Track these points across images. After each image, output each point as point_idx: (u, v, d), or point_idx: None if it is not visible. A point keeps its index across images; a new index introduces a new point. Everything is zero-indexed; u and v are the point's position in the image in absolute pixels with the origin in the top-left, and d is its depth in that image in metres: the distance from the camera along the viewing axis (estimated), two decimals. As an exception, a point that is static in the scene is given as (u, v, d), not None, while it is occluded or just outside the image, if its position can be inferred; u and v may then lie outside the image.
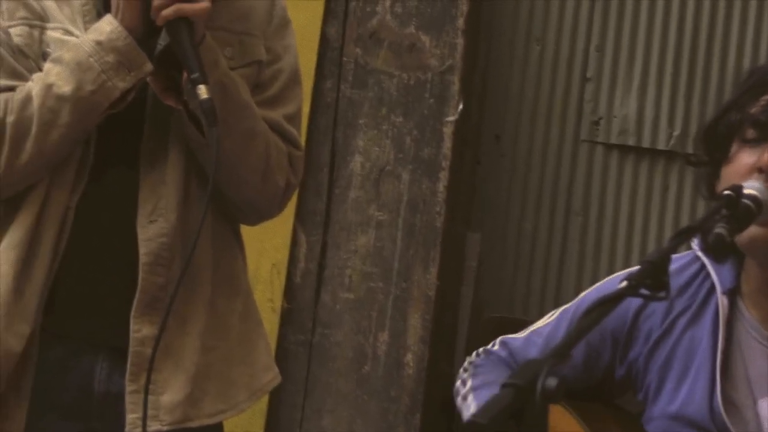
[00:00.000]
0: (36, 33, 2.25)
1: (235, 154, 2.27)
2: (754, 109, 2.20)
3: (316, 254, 3.76)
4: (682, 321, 2.29)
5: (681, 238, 1.83)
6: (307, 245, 3.76)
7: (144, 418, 2.21)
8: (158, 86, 2.24)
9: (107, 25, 2.21)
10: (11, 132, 2.20)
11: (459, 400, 2.39)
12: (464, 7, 3.78)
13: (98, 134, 2.25)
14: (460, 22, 3.77)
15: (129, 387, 2.23)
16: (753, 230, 2.11)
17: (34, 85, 2.21)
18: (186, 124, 2.24)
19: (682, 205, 3.95)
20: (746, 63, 3.94)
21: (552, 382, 1.48)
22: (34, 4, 2.26)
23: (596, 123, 3.97)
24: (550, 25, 3.99)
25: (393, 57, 3.79)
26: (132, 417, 2.23)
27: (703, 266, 2.30)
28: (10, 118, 2.20)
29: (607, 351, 2.34)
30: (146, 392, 2.20)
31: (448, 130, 3.76)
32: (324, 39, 3.81)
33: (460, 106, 3.76)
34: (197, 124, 2.23)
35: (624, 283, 1.74)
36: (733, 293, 2.27)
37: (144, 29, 2.22)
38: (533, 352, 2.35)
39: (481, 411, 1.45)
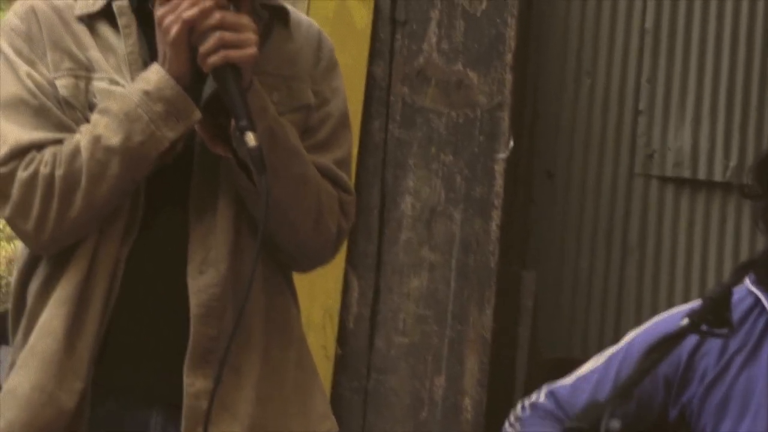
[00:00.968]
0: (82, 84, 2.25)
1: (285, 201, 2.25)
2: None
3: (368, 298, 3.76)
4: (738, 360, 2.26)
5: (742, 273, 1.81)
6: (360, 289, 3.76)
7: (201, 473, 2.19)
8: (206, 134, 2.23)
9: (154, 74, 2.19)
10: (60, 185, 2.19)
11: None
12: (512, 42, 3.78)
13: (147, 185, 2.24)
14: (509, 58, 3.77)
15: (185, 441, 2.21)
16: None
17: (82, 137, 2.20)
18: (235, 172, 2.23)
19: (740, 238, 3.94)
20: (801, 91, 3.94)
21: (615, 424, 1.47)
22: (80, 55, 2.25)
23: (650, 156, 3.98)
24: (600, 58, 4.00)
25: (441, 95, 3.80)
26: (189, 471, 2.20)
27: (757, 301, 2.26)
28: (59, 172, 2.19)
29: (660, 392, 2.31)
30: (203, 447, 2.18)
31: (499, 168, 3.76)
32: (370, 79, 3.83)
33: (511, 143, 3.76)
34: (247, 172, 2.22)
35: (685, 321, 1.71)
36: None
37: (191, 77, 2.20)
38: (582, 400, 2.32)
39: None
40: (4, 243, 4.49)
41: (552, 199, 3.98)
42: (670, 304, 3.88)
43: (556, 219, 3.98)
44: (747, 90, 3.96)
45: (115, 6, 2.27)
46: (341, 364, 3.76)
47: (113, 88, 2.22)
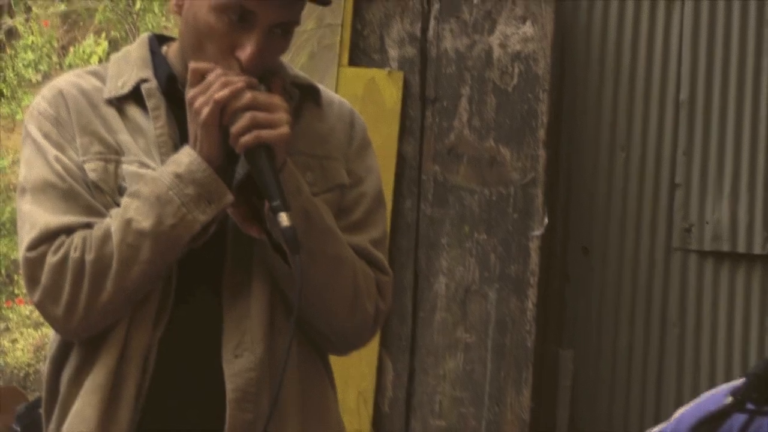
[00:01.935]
0: (111, 167, 2.23)
1: (321, 282, 2.22)
2: None
3: (403, 381, 3.74)
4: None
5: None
6: (394, 372, 3.73)
7: None
8: (239, 216, 2.20)
9: (185, 157, 2.17)
10: (91, 270, 2.16)
11: None
12: (544, 118, 3.78)
13: (179, 267, 2.21)
14: (541, 133, 3.76)
15: None
16: None
17: (112, 221, 2.18)
18: (269, 254, 2.20)
19: (783, 311, 3.91)
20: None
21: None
22: (109, 138, 2.24)
23: (688, 230, 3.96)
24: (634, 132, 4.00)
25: (473, 172, 3.79)
26: None
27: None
28: (89, 256, 2.16)
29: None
30: None
31: (534, 245, 3.74)
32: (401, 157, 3.84)
33: (546, 220, 3.74)
34: (281, 253, 2.18)
35: (729, 399, 1.65)
36: None
37: (223, 158, 2.18)
38: None
39: None
40: (31, 330, 4.48)
41: (588, 276, 3.96)
42: (712, 380, 3.84)
43: (593, 295, 3.95)
44: (786, 160, 3.97)
45: (143, 88, 2.26)
46: (378, 449, 3.74)
47: (143, 171, 2.21)
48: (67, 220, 2.18)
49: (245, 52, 2.17)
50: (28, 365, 4.33)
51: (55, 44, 4.39)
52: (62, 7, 4.37)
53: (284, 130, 2.15)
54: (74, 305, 2.16)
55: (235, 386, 2.18)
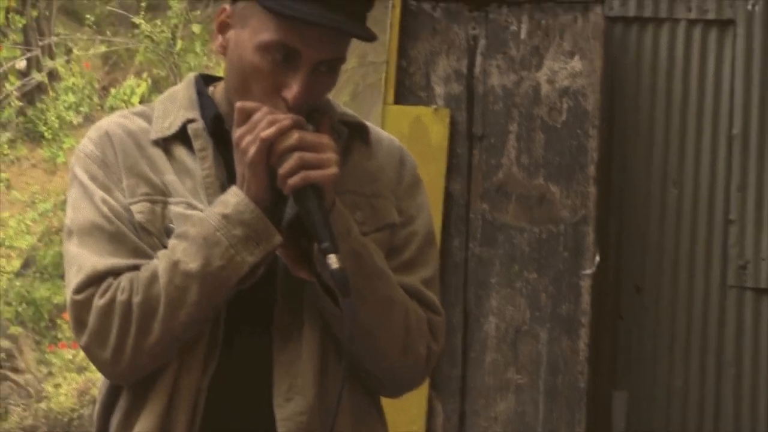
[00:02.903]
0: (158, 209, 2.20)
1: (372, 324, 2.18)
2: None
3: (454, 424, 3.71)
4: None
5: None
6: (445, 414, 3.69)
7: None
8: (288, 257, 2.17)
9: (233, 197, 2.14)
10: (138, 313, 2.14)
11: None
12: (594, 154, 3.75)
13: (227, 311, 2.18)
14: (591, 170, 3.73)
15: None
16: None
17: (159, 263, 2.15)
18: (320, 296, 2.17)
19: (842, 350, 3.86)
20: None
21: None
22: (155, 179, 2.21)
23: (743, 267, 3.90)
24: (686, 167, 3.96)
25: (522, 210, 3.76)
26: None
27: None
28: (136, 299, 2.14)
29: None
30: None
31: (585, 284, 3.71)
32: (448, 196, 3.81)
33: (597, 258, 3.71)
34: (332, 296, 2.15)
35: None
36: None
37: (271, 199, 2.15)
38: None
39: None
40: (74, 374, 4.46)
41: (641, 315, 3.92)
42: (770, 422, 3.79)
43: (647, 335, 3.91)
44: (843, 193, 3.92)
45: (190, 129, 2.24)
46: (429, 494, 3.70)
47: (190, 212, 2.18)
48: (114, 262, 2.16)
49: (291, 92, 2.14)
50: (72, 410, 4.31)
51: (96, 85, 4.39)
52: (103, 48, 4.37)
53: (333, 170, 2.12)
54: (121, 348, 2.14)
55: (286, 430, 2.15)
